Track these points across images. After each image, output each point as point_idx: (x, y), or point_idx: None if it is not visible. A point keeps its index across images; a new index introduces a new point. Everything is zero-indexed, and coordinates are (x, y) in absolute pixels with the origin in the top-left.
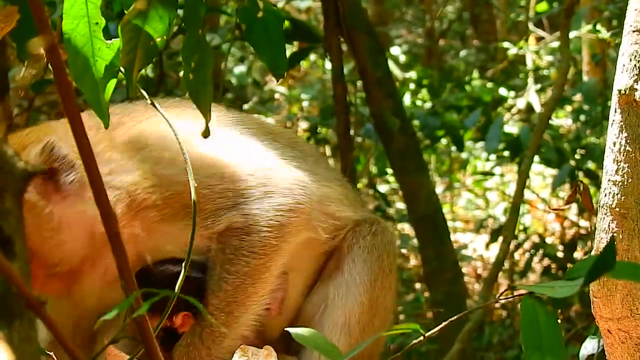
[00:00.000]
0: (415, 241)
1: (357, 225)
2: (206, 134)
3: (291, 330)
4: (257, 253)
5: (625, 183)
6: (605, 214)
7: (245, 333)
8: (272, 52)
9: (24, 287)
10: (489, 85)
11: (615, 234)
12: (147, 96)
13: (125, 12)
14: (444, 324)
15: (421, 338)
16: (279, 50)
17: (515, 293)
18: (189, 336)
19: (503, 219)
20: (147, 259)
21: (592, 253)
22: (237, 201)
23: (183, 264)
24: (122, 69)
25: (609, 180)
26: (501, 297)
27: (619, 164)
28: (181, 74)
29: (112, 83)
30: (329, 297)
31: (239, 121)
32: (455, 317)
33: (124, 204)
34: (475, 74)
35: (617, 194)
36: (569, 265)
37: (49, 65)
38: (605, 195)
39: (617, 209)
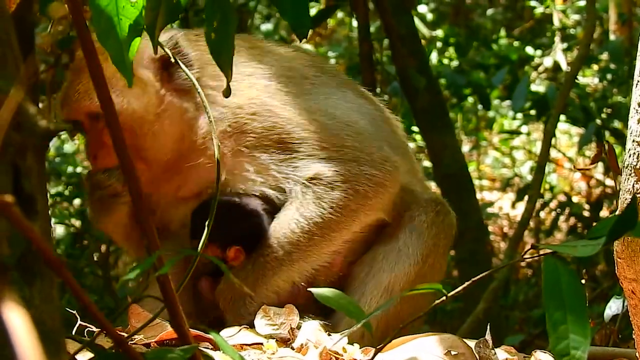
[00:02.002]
0: None
1: (424, 201)
2: (227, 93)
3: (314, 290)
4: (335, 210)
5: None
6: (630, 174)
7: (296, 279)
8: (295, 10)
9: (45, 247)
10: (516, 43)
11: (639, 195)
12: (170, 54)
13: None
14: (467, 283)
15: (444, 298)
16: (303, 9)
17: (540, 252)
18: (238, 270)
19: (529, 177)
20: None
21: (617, 213)
22: (331, 155)
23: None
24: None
25: (633, 141)
26: (524, 257)
27: None
28: None
29: (137, 42)
30: (378, 259)
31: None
32: (478, 276)
33: (226, 123)
34: (502, 32)
35: None
36: (594, 224)
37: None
38: (630, 156)
39: None
